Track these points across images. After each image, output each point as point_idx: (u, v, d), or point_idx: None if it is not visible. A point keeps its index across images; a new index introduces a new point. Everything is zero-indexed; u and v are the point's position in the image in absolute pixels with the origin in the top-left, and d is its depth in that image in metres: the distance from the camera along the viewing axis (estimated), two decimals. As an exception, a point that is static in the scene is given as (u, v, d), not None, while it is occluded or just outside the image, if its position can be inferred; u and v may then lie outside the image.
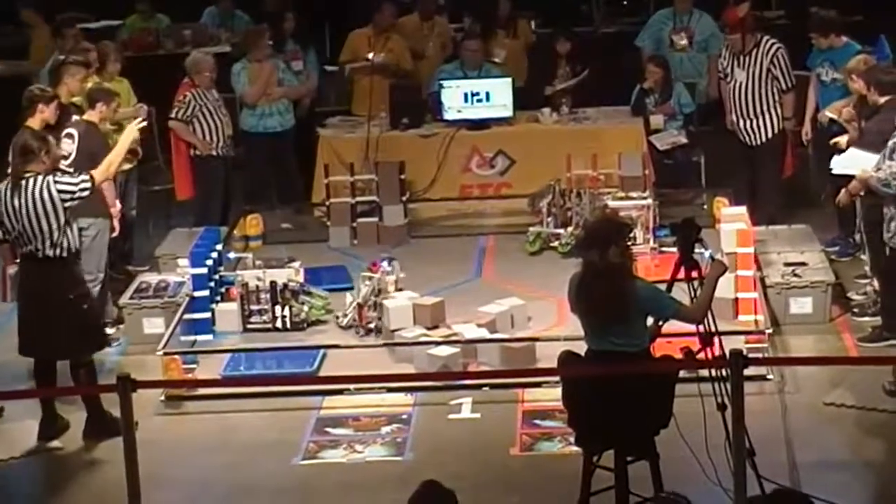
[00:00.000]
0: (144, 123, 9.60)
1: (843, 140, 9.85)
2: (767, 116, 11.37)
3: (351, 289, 10.40)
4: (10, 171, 8.44)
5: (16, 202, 8.25)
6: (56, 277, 8.35)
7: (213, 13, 14.13)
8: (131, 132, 9.10)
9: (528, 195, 11.75)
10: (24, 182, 8.26)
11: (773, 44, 11.33)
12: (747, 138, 11.47)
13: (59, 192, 8.25)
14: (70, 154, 9.62)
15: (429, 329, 9.59)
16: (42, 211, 8.22)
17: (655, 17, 13.35)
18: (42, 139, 8.46)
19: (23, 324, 8.53)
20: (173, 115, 11.57)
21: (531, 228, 11.42)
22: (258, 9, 14.04)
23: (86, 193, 8.37)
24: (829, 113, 10.57)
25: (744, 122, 11.44)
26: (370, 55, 12.83)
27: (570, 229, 11.20)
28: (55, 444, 8.54)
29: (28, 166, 8.31)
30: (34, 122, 9.40)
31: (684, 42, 12.99)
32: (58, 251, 8.29)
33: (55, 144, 8.59)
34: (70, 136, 9.70)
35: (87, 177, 8.43)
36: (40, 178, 8.27)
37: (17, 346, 8.66)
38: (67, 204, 8.28)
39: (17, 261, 8.63)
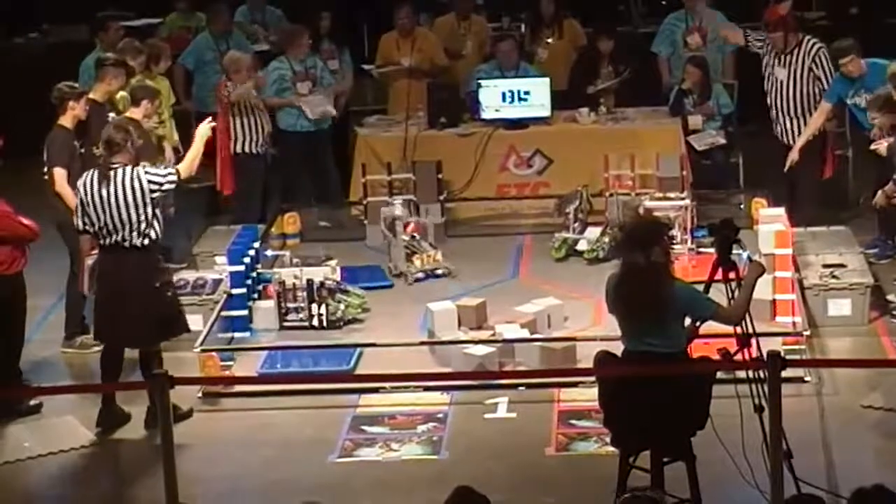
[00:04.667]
0: (214, 123, 9.59)
1: (883, 146, 9.80)
2: (808, 117, 11.31)
3: (389, 286, 10.66)
4: (99, 162, 8.50)
5: (103, 192, 8.34)
6: (141, 266, 8.43)
7: (244, 11, 14.18)
8: (206, 131, 9.08)
9: (558, 196, 11.72)
10: (112, 173, 8.34)
11: (814, 44, 11.28)
12: (786, 137, 11.41)
13: (149, 182, 8.34)
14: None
15: (472, 329, 9.62)
16: (132, 201, 8.31)
17: (668, 20, 13.27)
18: (125, 130, 8.54)
19: (102, 313, 8.58)
20: (227, 94, 11.51)
21: (557, 235, 11.36)
22: (290, 3, 14.09)
23: (172, 186, 8.50)
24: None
25: (784, 122, 11.38)
26: (402, 60, 12.87)
27: (597, 234, 11.12)
28: (86, 438, 8.57)
29: (115, 158, 8.40)
30: (66, 120, 9.49)
31: (697, 42, 12.93)
32: (144, 241, 8.38)
33: (137, 134, 8.64)
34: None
35: (173, 170, 8.55)
36: (129, 168, 8.36)
37: (95, 335, 8.76)
38: (155, 195, 8.38)
39: (94, 252, 8.70)
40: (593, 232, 11.19)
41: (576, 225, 11.35)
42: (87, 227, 8.51)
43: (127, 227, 8.35)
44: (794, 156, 11.06)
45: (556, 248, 11.24)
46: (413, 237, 11.15)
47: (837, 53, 10.93)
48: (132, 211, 8.32)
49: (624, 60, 12.96)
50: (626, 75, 12.85)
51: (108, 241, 8.44)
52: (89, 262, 8.87)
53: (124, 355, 8.71)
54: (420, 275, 10.96)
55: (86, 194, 8.40)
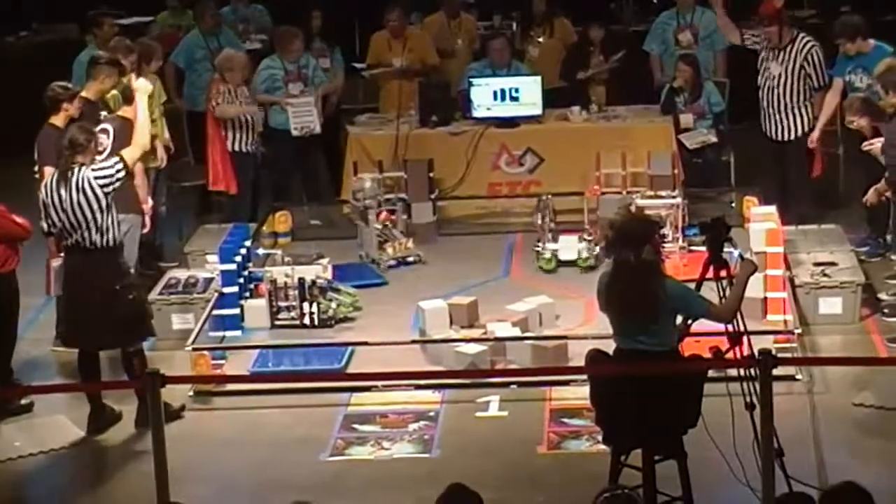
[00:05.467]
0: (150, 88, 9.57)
1: (876, 146, 9.81)
2: (798, 115, 11.32)
3: (383, 283, 10.76)
4: (59, 163, 8.50)
5: (62, 192, 8.36)
6: (102, 268, 8.43)
7: (228, 11, 14.19)
8: (145, 86, 9.15)
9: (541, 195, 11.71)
10: (69, 173, 8.38)
11: (807, 41, 11.30)
12: (776, 134, 11.42)
13: (96, 178, 8.36)
14: (105, 149, 9.67)
15: (464, 328, 9.63)
16: (85, 200, 8.32)
17: (659, 18, 13.30)
18: (89, 132, 8.57)
19: (69, 315, 8.60)
20: (214, 105, 11.54)
21: (539, 248, 10.99)
22: (282, 2, 14.09)
23: (122, 174, 8.48)
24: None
25: (774, 118, 11.39)
26: (394, 61, 12.88)
27: (573, 242, 10.90)
28: (77, 437, 8.56)
29: (76, 158, 8.42)
30: (58, 120, 9.47)
31: (689, 39, 12.95)
32: (105, 240, 8.38)
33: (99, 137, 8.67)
34: (105, 131, 9.74)
35: (117, 159, 8.54)
36: (84, 168, 8.39)
37: (63, 339, 8.73)
38: (108, 189, 8.39)
39: (61, 254, 8.70)
40: (568, 240, 10.99)
41: (549, 235, 11.16)
42: (51, 229, 8.53)
43: (84, 226, 8.36)
44: (815, 136, 11.04)
45: (546, 261, 10.93)
46: (385, 225, 11.29)
47: (838, 30, 10.99)
48: (87, 209, 8.33)
49: (615, 49, 12.98)
50: (616, 59, 12.86)
51: (70, 241, 8.45)
52: (55, 264, 8.88)
53: (100, 356, 8.70)
54: (392, 262, 11.13)
55: (47, 195, 8.42)
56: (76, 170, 8.37)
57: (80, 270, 8.46)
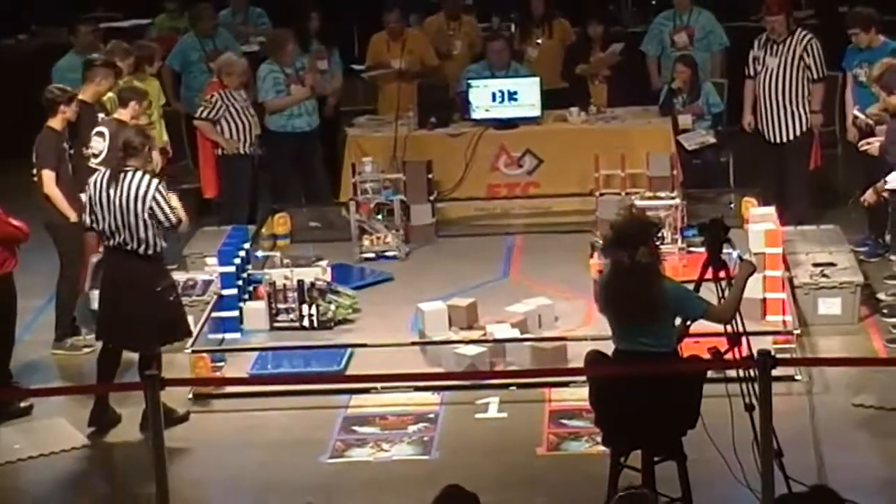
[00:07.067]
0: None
1: (875, 146, 9.80)
2: (796, 113, 11.31)
3: (389, 279, 10.82)
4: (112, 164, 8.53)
5: (111, 192, 8.36)
6: (144, 269, 8.44)
7: (227, 14, 14.20)
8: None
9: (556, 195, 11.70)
10: (122, 175, 8.37)
11: (806, 33, 11.35)
12: (773, 135, 11.40)
13: (154, 195, 8.34)
14: (101, 152, 9.69)
15: (463, 329, 9.63)
16: (133, 206, 8.33)
17: (656, 19, 13.32)
18: (145, 135, 8.59)
19: (105, 313, 8.57)
20: (198, 115, 11.63)
21: None
22: (279, 3, 14.11)
23: (166, 222, 8.42)
24: (857, 112, 10.51)
25: (771, 117, 11.37)
26: (393, 62, 12.89)
27: None
28: (77, 440, 8.56)
29: (129, 161, 8.41)
30: (56, 122, 9.49)
31: (684, 41, 12.96)
32: (142, 248, 8.38)
33: (154, 141, 8.68)
34: (101, 134, 9.78)
35: (179, 218, 8.52)
36: (139, 173, 8.39)
37: (95, 333, 8.75)
38: (153, 210, 8.33)
39: (101, 249, 8.71)
40: None
41: None
42: (93, 225, 8.53)
43: (126, 231, 8.36)
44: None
45: None
46: (369, 217, 11.36)
47: (852, 20, 11.00)
48: (131, 216, 8.33)
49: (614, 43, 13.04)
50: (616, 53, 12.86)
51: (111, 242, 8.46)
52: (94, 259, 8.89)
53: (121, 357, 8.70)
54: (370, 255, 11.22)
55: (94, 193, 8.43)
56: (130, 173, 8.36)
57: (119, 270, 8.45)
